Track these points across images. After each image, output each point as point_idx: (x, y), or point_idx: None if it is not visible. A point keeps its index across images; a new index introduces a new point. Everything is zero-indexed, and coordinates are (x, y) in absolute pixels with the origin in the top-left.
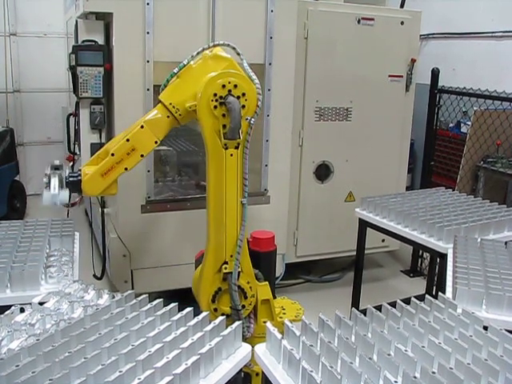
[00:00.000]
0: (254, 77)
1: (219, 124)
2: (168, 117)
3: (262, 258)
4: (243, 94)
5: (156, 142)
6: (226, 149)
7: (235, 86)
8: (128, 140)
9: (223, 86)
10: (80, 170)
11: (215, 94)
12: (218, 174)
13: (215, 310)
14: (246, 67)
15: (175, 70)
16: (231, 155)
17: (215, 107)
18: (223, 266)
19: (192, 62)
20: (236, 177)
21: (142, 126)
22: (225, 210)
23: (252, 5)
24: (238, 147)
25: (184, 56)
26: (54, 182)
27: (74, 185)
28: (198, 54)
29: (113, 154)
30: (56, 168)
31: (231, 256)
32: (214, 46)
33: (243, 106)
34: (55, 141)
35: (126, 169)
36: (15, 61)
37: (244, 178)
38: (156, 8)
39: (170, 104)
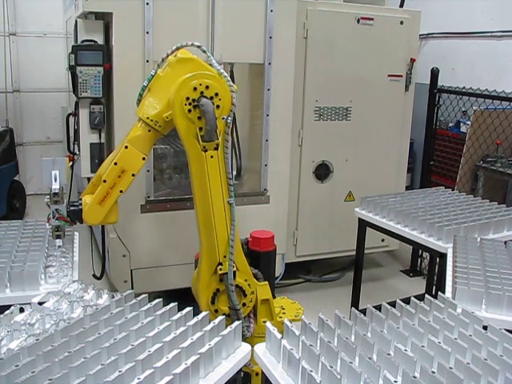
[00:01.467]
0: (225, 74)
1: (195, 127)
2: (149, 131)
3: (261, 257)
4: (216, 94)
5: (144, 159)
6: (206, 151)
7: (207, 87)
8: (116, 163)
9: (194, 89)
10: (81, 199)
11: (187, 98)
12: (201, 177)
13: (216, 311)
14: (215, 65)
15: (145, 83)
16: (212, 157)
17: (189, 111)
18: (218, 268)
19: (159, 71)
20: (219, 178)
21: (126, 147)
22: (212, 211)
23: (252, 5)
24: (217, 148)
25: None
26: None
27: (75, 214)
28: (162, 61)
29: (105, 181)
30: (55, 201)
31: (224, 257)
32: (178, 48)
33: (218, 106)
34: (55, 141)
35: (121, 191)
36: (15, 61)
37: (228, 177)
38: (156, 8)
39: (148, 118)
